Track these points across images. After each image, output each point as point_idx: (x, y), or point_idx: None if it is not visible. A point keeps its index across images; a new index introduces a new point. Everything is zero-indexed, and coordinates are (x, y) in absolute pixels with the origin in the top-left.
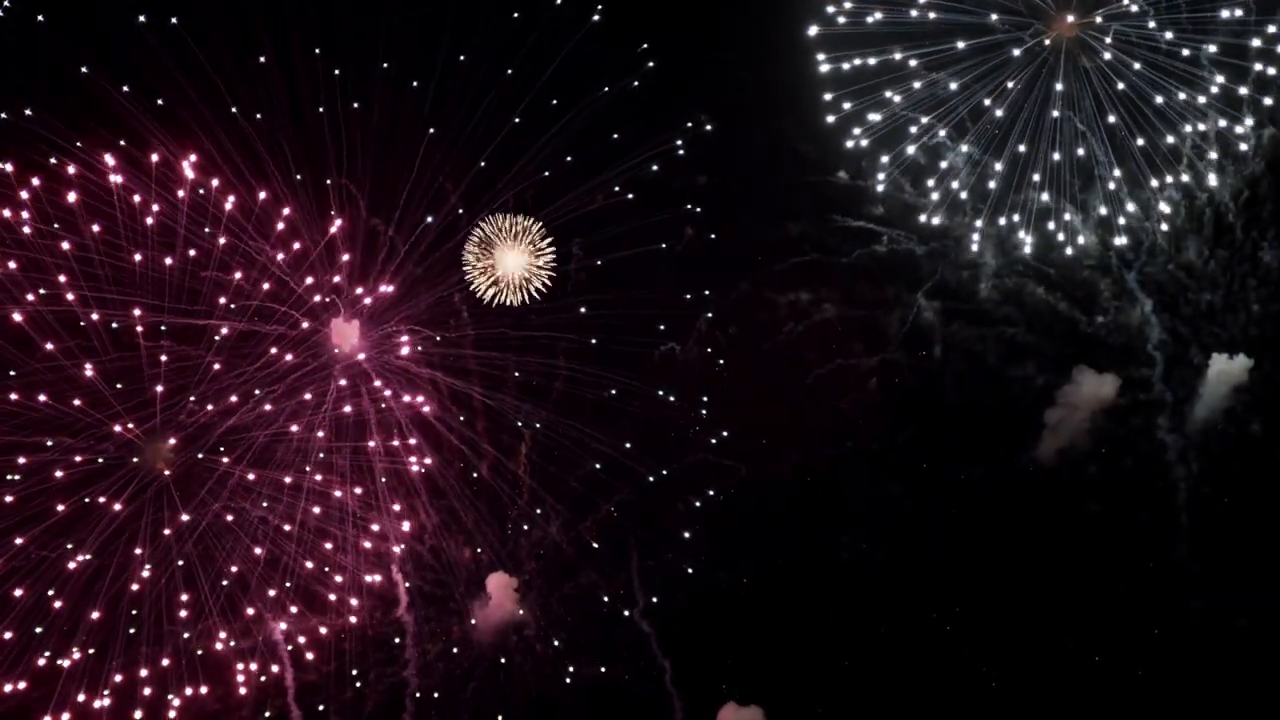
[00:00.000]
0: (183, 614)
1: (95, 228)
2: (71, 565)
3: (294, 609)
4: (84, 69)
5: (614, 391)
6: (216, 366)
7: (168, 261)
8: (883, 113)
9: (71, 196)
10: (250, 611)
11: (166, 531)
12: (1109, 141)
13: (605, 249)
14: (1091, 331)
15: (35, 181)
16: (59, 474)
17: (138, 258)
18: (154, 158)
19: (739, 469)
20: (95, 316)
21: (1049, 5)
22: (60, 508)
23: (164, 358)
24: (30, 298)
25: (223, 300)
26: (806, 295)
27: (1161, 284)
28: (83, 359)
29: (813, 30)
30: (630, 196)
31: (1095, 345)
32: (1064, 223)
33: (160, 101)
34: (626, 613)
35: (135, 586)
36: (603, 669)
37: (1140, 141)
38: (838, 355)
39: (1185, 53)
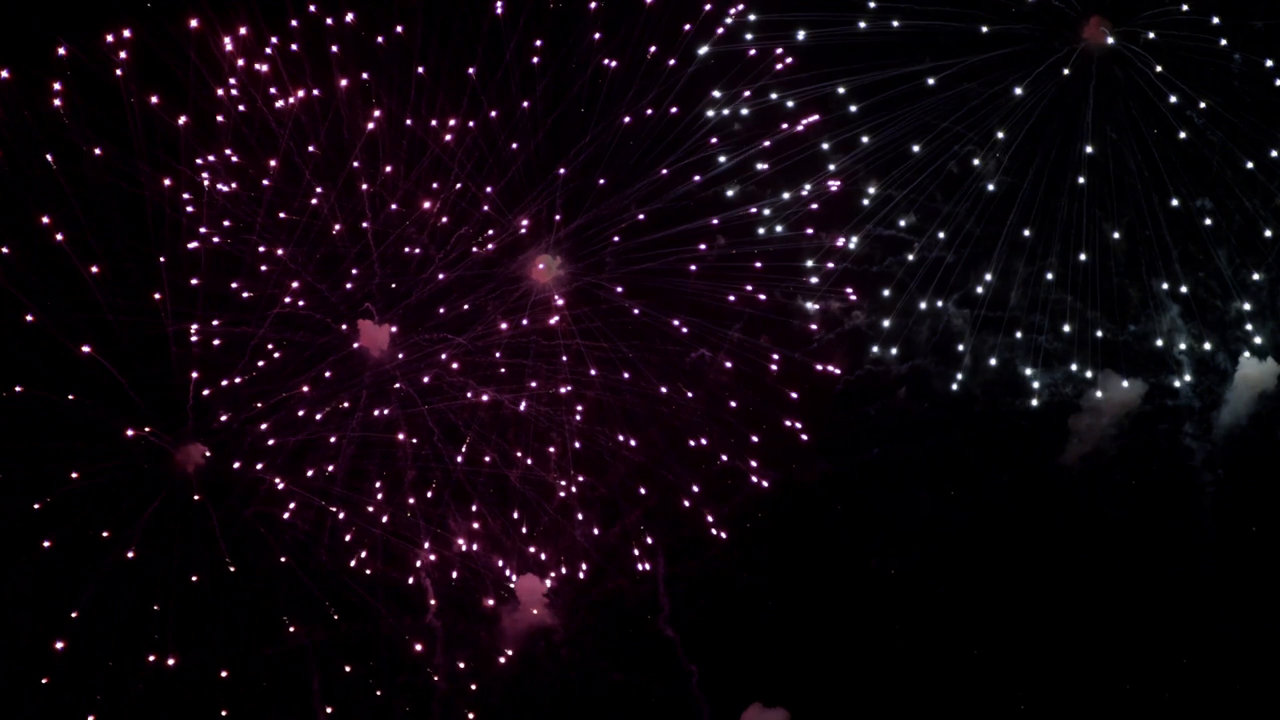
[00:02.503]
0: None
1: (97, 151)
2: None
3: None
4: None
5: (644, 397)
6: (270, 349)
7: (205, 181)
8: (813, 180)
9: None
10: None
11: (194, 578)
12: (1164, 226)
13: (638, 255)
14: (1118, 337)
15: (3, 74)
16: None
17: (167, 182)
18: (193, 23)
19: (768, 475)
20: (95, 270)
21: (1071, 6)
22: (46, 544)
23: (195, 327)
24: (4, 250)
25: (280, 252)
26: (837, 303)
27: (1189, 289)
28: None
29: (702, 50)
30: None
31: (1121, 351)
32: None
33: None
34: (653, 618)
35: (151, 658)
36: (629, 674)
37: (1208, 221)
38: (867, 362)
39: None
